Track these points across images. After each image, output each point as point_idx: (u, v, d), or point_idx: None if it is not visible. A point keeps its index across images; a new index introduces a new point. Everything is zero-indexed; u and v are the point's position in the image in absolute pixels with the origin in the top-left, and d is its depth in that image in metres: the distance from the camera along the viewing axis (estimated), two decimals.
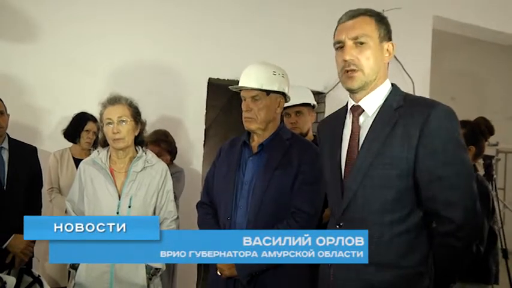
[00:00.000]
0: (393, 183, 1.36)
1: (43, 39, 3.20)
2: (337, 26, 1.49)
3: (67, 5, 3.25)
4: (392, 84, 1.49)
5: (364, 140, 1.42)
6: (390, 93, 1.45)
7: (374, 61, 1.42)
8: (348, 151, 1.46)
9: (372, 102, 1.45)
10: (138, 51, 3.42)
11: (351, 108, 1.50)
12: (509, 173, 6.00)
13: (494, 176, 3.23)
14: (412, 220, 1.37)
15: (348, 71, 1.42)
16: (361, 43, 1.41)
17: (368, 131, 1.42)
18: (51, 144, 3.14)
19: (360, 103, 1.46)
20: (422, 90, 4.32)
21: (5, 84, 3.04)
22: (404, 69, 4.24)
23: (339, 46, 1.45)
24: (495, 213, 2.53)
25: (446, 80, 5.65)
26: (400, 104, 1.41)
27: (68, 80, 3.23)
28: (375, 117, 1.43)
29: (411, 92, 4.15)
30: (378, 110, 1.43)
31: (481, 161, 3.29)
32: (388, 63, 1.50)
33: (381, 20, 1.45)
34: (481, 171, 2.83)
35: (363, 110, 1.46)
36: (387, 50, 1.45)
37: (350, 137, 1.47)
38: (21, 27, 3.16)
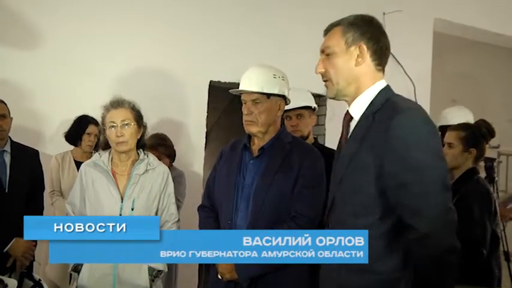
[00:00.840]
0: (363, 188, 1.36)
1: (42, 43, 3.21)
2: None
3: (66, 8, 3.26)
4: (386, 86, 1.46)
5: (345, 146, 1.46)
6: (376, 96, 1.43)
7: (341, 69, 1.43)
8: (338, 155, 1.51)
9: (357, 108, 1.44)
10: (139, 54, 3.42)
11: (345, 113, 1.52)
12: (511, 176, 5.98)
13: (496, 179, 3.22)
14: (385, 225, 1.35)
15: (324, 82, 1.49)
16: (328, 54, 1.45)
17: (349, 136, 1.45)
18: (53, 147, 3.15)
19: (348, 109, 1.48)
20: (423, 93, 4.32)
21: (7, 88, 3.05)
22: (405, 72, 4.24)
23: None
24: (497, 215, 2.53)
25: (447, 83, 5.64)
26: (378, 107, 1.39)
27: (69, 83, 3.23)
28: (357, 122, 1.44)
29: (412, 95, 4.15)
30: (361, 115, 1.43)
31: (482, 164, 3.29)
32: (381, 64, 1.46)
33: (350, 25, 1.44)
34: (483, 174, 2.82)
35: (352, 116, 1.47)
36: (359, 53, 1.42)
37: (340, 141, 1.51)
38: (20, 31, 3.17)
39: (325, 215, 1.52)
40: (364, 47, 1.42)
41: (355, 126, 1.43)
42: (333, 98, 1.50)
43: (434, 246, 1.27)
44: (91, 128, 3.05)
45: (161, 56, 3.49)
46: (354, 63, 1.42)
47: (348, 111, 1.49)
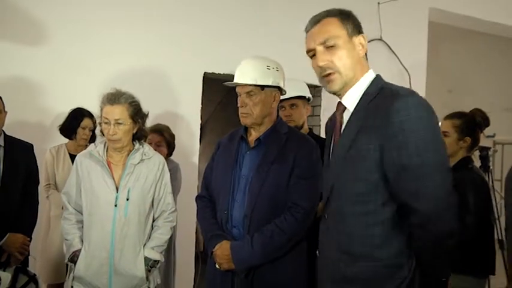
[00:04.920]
0: (364, 175, 1.36)
1: (46, 40, 3.20)
2: (306, 36, 1.50)
3: (68, 5, 3.25)
4: (377, 75, 1.48)
5: (341, 135, 1.45)
6: (370, 85, 1.44)
7: (347, 59, 1.42)
8: (332, 146, 1.50)
9: (351, 98, 1.45)
10: (134, 48, 3.41)
11: (337, 105, 1.52)
12: (506, 165, 6.00)
13: (491, 167, 3.23)
14: (386, 212, 1.36)
15: (325, 76, 1.44)
16: (331, 46, 1.42)
17: (345, 126, 1.45)
18: (57, 142, 3.13)
19: (342, 100, 1.48)
20: (419, 83, 4.32)
21: (12, 84, 3.06)
22: (400, 62, 4.23)
23: (312, 54, 1.47)
24: (491, 204, 2.53)
25: (443, 72, 5.64)
26: (374, 95, 1.40)
27: (71, 78, 3.23)
28: (352, 112, 1.44)
29: (407, 85, 4.15)
30: (356, 104, 1.44)
31: (477, 153, 3.30)
32: (366, 55, 1.49)
33: (345, 16, 1.45)
34: (477, 163, 2.82)
35: (346, 107, 1.47)
36: (360, 43, 1.45)
37: (334, 132, 1.50)
38: (22, 28, 3.16)
39: (322, 206, 1.51)
40: (363, 38, 1.45)
41: (351, 115, 1.44)
42: (335, 92, 1.47)
43: (437, 229, 1.30)
44: (86, 122, 3.03)
45: (155, 49, 3.47)
46: (356, 54, 1.44)
47: (340, 102, 1.49)
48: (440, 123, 2.53)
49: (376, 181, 1.35)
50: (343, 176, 1.41)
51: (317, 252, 1.54)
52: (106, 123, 2.14)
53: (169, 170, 2.37)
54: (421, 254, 1.37)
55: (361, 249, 1.37)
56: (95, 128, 3.04)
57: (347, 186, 1.40)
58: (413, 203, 1.31)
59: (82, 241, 2.16)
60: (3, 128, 2.52)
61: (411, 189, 1.30)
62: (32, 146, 2.65)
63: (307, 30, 1.48)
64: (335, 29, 1.42)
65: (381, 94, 1.39)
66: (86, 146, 2.95)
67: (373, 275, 1.36)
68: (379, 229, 1.36)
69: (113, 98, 2.14)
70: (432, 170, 1.29)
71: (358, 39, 1.44)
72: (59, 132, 3.05)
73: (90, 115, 3.03)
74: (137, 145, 2.24)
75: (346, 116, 1.47)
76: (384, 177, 1.34)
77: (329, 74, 1.43)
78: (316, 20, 1.45)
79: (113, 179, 2.16)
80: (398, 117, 1.29)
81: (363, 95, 1.43)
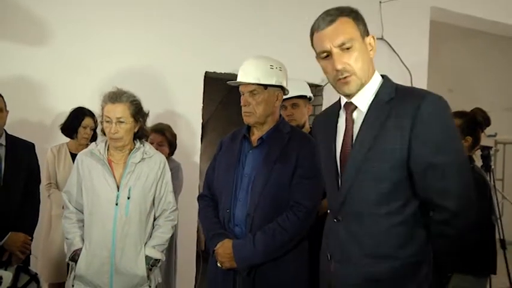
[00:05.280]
0: (387, 175, 1.36)
1: (46, 40, 3.20)
2: (313, 33, 1.44)
3: (68, 5, 3.25)
4: (382, 76, 1.48)
5: (357, 135, 1.42)
6: (381, 86, 1.44)
7: (362, 61, 1.40)
8: (342, 146, 1.47)
9: (363, 98, 1.44)
10: (135, 47, 3.41)
11: (344, 105, 1.50)
12: (507, 164, 6.01)
13: (492, 167, 3.23)
14: (408, 210, 1.37)
15: (341, 79, 1.41)
16: (348, 48, 1.38)
17: (361, 126, 1.42)
18: (57, 142, 3.14)
19: (352, 100, 1.46)
20: (420, 82, 4.32)
21: (13, 84, 3.06)
22: (402, 61, 4.24)
23: (326, 55, 1.41)
24: (493, 203, 2.53)
25: (444, 72, 5.64)
26: (391, 96, 1.40)
27: (70, 78, 3.23)
28: (367, 112, 1.42)
29: (409, 84, 4.14)
30: (370, 104, 1.43)
31: (478, 152, 3.29)
32: (372, 57, 1.47)
33: (356, 16, 1.42)
34: (478, 162, 2.82)
35: (356, 106, 1.46)
36: (370, 44, 1.44)
37: (344, 132, 1.47)
38: (23, 27, 3.16)
39: (335, 209, 1.48)
40: (372, 38, 1.45)
41: (366, 115, 1.42)
42: (350, 94, 1.44)
43: (461, 224, 1.34)
44: (87, 121, 3.04)
45: (156, 48, 3.47)
46: (368, 55, 1.43)
47: (349, 102, 1.47)
48: None
49: (400, 180, 1.36)
50: (363, 177, 1.39)
51: (328, 255, 1.51)
52: (107, 121, 2.14)
53: (171, 170, 2.37)
54: (441, 250, 1.40)
55: (385, 250, 1.37)
56: (96, 127, 3.04)
57: (368, 186, 1.39)
58: (440, 201, 1.34)
59: (83, 240, 2.16)
60: (5, 127, 2.52)
61: (438, 188, 1.33)
62: (33, 145, 2.65)
63: (318, 30, 1.41)
64: (352, 31, 1.39)
65: (399, 95, 1.40)
66: (87, 145, 2.95)
67: (397, 274, 1.37)
68: (402, 228, 1.37)
69: (115, 96, 2.14)
70: (459, 169, 1.33)
71: (368, 40, 1.43)
72: (60, 131, 3.06)
73: (91, 114, 3.04)
74: (138, 144, 2.24)
75: (356, 116, 1.45)
76: (408, 176, 1.36)
77: (345, 77, 1.40)
78: (330, 20, 1.39)
79: (114, 177, 2.16)
80: (425, 116, 1.31)
81: (376, 94, 1.43)
